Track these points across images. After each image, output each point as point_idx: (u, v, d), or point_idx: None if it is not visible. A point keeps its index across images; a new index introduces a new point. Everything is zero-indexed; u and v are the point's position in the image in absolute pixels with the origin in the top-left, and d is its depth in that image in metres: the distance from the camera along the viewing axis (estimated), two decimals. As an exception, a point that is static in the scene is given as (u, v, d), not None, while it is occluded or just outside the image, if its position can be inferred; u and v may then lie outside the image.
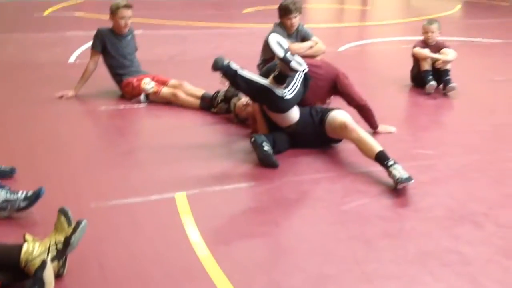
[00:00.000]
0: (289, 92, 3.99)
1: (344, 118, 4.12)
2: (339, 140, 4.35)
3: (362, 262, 2.85)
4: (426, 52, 5.97)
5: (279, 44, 3.87)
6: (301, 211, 3.49)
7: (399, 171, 3.65)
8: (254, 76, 4.03)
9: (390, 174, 3.70)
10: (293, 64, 3.82)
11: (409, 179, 3.61)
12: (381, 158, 3.81)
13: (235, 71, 3.95)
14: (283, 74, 3.92)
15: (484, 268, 2.83)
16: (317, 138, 4.30)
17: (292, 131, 4.25)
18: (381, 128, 4.68)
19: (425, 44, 6.09)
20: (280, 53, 3.82)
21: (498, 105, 5.64)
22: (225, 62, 3.96)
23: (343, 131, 4.09)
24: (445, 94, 5.87)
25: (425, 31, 6.07)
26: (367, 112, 4.59)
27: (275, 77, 3.96)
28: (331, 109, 4.28)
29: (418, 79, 6.07)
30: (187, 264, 2.81)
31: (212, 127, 4.85)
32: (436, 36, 6.07)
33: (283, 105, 4.05)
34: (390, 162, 3.73)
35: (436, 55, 5.94)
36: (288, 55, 3.84)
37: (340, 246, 3.00)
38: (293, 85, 4.04)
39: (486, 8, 13.53)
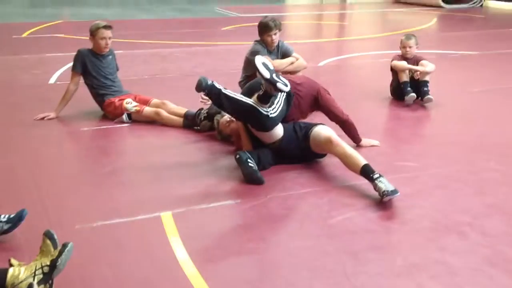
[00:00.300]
0: (273, 110, 4.02)
1: (329, 133, 4.15)
2: (323, 155, 4.37)
3: (351, 276, 2.85)
4: (404, 63, 6.06)
5: (264, 65, 3.89)
6: (288, 226, 3.49)
7: (385, 184, 3.68)
8: (238, 95, 4.05)
9: (375, 187, 3.72)
10: (279, 85, 3.85)
11: (394, 191, 3.63)
12: (366, 172, 3.84)
13: (219, 90, 3.96)
14: (268, 94, 3.95)
15: (471, 278, 2.85)
16: (302, 153, 4.32)
17: (277, 147, 4.26)
18: (364, 142, 4.72)
19: (403, 58, 6.17)
20: (266, 74, 3.85)
21: (477, 116, 5.72)
22: (209, 82, 3.97)
23: (328, 146, 4.11)
24: (422, 105, 5.95)
25: (403, 46, 6.16)
26: (349, 126, 4.62)
27: (260, 96, 3.98)
28: (315, 125, 4.31)
29: (398, 92, 6.14)
30: (175, 283, 2.80)
31: (195, 145, 4.84)
32: (414, 51, 6.16)
33: (268, 123, 4.07)
34: (376, 175, 3.76)
35: (414, 66, 6.03)
36: (274, 76, 3.87)
37: (328, 260, 3.01)
38: (277, 103, 4.07)
39: (461, 21, 13.76)
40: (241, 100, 4.00)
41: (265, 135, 4.21)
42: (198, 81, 3.96)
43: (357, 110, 5.79)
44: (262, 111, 3.96)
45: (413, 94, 5.92)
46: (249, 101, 4.00)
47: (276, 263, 3.02)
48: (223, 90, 3.97)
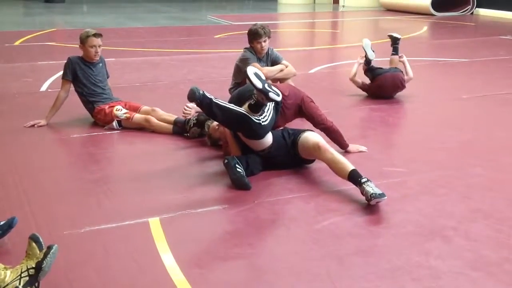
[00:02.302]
0: (264, 118, 4.06)
1: (317, 139, 4.19)
2: (311, 161, 4.41)
3: (335, 279, 2.88)
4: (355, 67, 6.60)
5: (256, 75, 3.92)
6: (274, 231, 3.52)
7: (372, 188, 3.72)
8: (229, 104, 4.07)
9: (363, 191, 3.75)
10: (271, 95, 3.88)
11: (382, 195, 3.67)
12: (354, 176, 3.87)
13: (211, 100, 3.96)
14: (260, 103, 3.98)
15: (454, 281, 2.89)
16: (291, 159, 4.35)
17: (266, 154, 4.30)
18: (352, 147, 4.76)
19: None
20: (258, 85, 3.88)
21: (465, 122, 5.77)
22: (201, 92, 3.96)
23: (316, 152, 4.15)
24: (410, 111, 6.00)
25: None
26: (334, 133, 4.65)
27: (251, 106, 4.01)
28: (303, 131, 4.35)
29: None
30: (161, 288, 2.82)
31: (185, 152, 4.87)
32: None
33: (261, 132, 4.10)
34: (364, 179, 3.80)
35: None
36: (266, 86, 3.91)
37: (313, 264, 3.04)
38: (267, 111, 4.10)
39: (452, 29, 13.86)
40: (233, 109, 4.02)
41: (255, 143, 4.24)
42: (190, 91, 3.94)
43: (346, 116, 5.84)
44: (254, 119, 4.00)
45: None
46: (241, 110, 4.02)
47: (262, 268, 3.04)
48: (214, 100, 3.99)
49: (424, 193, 4.01)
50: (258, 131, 4.09)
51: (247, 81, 3.95)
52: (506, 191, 4.06)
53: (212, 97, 3.99)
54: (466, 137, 5.30)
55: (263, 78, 3.96)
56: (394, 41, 6.91)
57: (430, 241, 3.30)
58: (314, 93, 4.85)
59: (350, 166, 3.95)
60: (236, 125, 4.17)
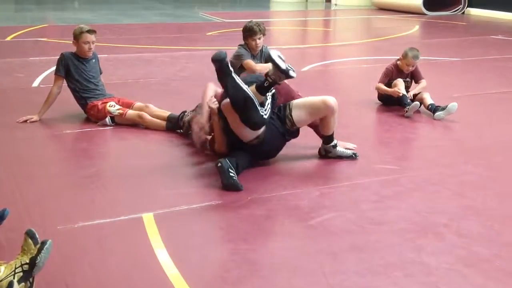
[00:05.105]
0: (265, 112, 4.10)
1: (320, 97, 4.42)
2: (297, 134, 4.45)
3: (329, 275, 2.91)
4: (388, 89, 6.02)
5: (280, 57, 4.06)
6: (268, 227, 3.54)
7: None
8: (242, 83, 4.08)
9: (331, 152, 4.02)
10: (291, 73, 4.04)
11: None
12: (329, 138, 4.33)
13: (231, 72, 4.04)
14: (270, 86, 4.07)
15: (446, 277, 2.92)
16: (278, 143, 4.38)
17: (254, 144, 4.27)
18: (339, 145, 4.75)
19: (397, 69, 6.09)
20: (283, 65, 4.00)
21: (457, 120, 5.80)
22: (227, 59, 4.05)
23: (322, 106, 4.36)
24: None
25: (408, 64, 6.01)
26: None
27: (260, 87, 4.07)
28: (287, 103, 4.39)
29: (386, 99, 6.16)
30: (156, 284, 2.83)
31: (178, 148, 4.87)
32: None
33: (260, 122, 4.11)
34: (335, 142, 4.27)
35: (394, 89, 5.95)
36: (288, 65, 4.04)
37: (307, 260, 3.06)
38: (267, 105, 4.12)
39: (443, 28, 13.92)
40: (245, 90, 4.03)
41: (247, 133, 4.21)
42: (217, 53, 4.06)
43: (339, 114, 5.83)
44: (259, 108, 4.04)
45: (416, 103, 5.80)
46: (251, 94, 4.05)
47: (256, 263, 3.06)
48: (233, 74, 4.05)
49: (416, 190, 4.04)
50: (258, 120, 4.08)
51: (271, 63, 4.03)
52: (497, 188, 4.10)
53: (232, 70, 4.06)
54: (457, 135, 5.34)
55: (284, 59, 4.07)
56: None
57: (422, 237, 3.33)
58: (307, 91, 4.86)
59: (332, 131, 4.43)
60: (240, 106, 4.11)
